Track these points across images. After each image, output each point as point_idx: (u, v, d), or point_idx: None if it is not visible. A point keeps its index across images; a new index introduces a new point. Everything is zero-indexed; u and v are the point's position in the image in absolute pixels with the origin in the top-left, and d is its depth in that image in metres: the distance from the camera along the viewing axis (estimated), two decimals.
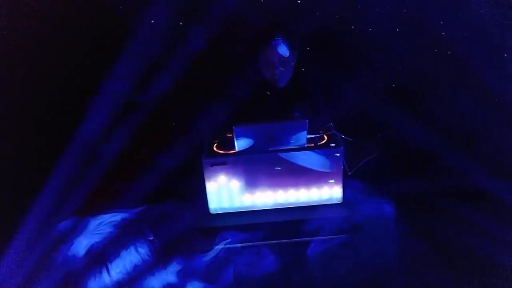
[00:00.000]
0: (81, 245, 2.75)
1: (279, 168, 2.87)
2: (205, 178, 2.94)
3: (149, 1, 3.09)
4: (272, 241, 2.92)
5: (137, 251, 2.73)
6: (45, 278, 2.68)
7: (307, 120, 2.77)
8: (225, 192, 2.97)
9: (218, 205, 3.01)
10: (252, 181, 2.93)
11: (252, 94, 3.12)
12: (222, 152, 2.95)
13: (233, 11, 3.14)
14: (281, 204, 3.02)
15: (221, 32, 3.21)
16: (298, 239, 2.93)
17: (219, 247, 2.86)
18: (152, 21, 3.13)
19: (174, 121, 3.28)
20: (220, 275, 2.78)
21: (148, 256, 2.74)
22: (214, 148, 2.99)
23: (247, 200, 3.00)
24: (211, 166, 2.89)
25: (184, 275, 2.72)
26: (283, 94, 3.15)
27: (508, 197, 3.06)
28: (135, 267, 2.71)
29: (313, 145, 2.92)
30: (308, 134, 2.85)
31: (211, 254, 2.83)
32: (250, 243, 2.90)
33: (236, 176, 2.92)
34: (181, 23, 3.19)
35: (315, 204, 3.03)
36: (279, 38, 3.02)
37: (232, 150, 2.93)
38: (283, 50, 3.03)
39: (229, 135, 2.99)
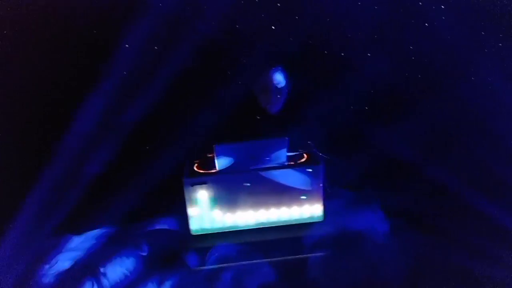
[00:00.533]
0: (65, 261, 2.70)
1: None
2: (186, 198, 2.92)
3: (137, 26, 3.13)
4: (255, 261, 2.88)
5: (123, 264, 2.69)
6: None
7: (287, 138, 2.81)
8: (206, 212, 2.95)
9: (200, 226, 2.98)
10: (233, 200, 2.93)
11: (240, 115, 3.18)
12: (203, 171, 2.95)
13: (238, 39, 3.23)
14: (263, 223, 3.01)
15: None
16: (280, 258, 2.90)
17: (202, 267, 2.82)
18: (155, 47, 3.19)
19: (154, 143, 3.27)
20: None
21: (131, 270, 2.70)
22: (195, 168, 2.99)
23: (229, 220, 2.98)
24: (192, 186, 2.88)
25: None
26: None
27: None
28: (122, 279, 2.67)
29: (293, 163, 2.95)
30: (288, 152, 2.88)
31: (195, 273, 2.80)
32: (233, 264, 2.87)
33: (217, 195, 2.91)
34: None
35: (296, 222, 3.03)
36: (277, 68, 3.15)
37: (213, 170, 2.93)
38: (280, 79, 3.15)
39: (209, 155, 3.00)
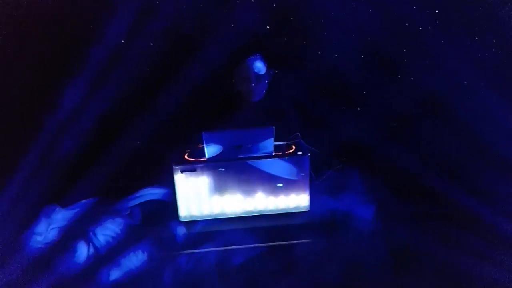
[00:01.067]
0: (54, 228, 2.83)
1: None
2: (175, 185, 3.00)
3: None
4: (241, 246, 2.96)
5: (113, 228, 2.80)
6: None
7: (273, 127, 2.89)
8: (194, 199, 3.03)
9: (188, 213, 3.06)
10: (221, 188, 3.01)
11: (225, 105, 3.28)
12: (193, 160, 3.03)
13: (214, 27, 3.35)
14: (250, 212, 3.09)
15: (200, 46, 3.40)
16: (267, 244, 2.97)
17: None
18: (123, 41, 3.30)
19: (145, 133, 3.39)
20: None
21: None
22: (185, 157, 3.08)
23: (217, 207, 3.06)
24: (181, 173, 2.96)
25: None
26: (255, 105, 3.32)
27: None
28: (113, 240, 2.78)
29: (280, 153, 3.03)
30: (275, 141, 2.96)
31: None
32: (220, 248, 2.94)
33: (205, 183, 3.00)
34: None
35: (283, 212, 3.10)
36: (255, 55, 3.24)
37: (202, 158, 3.02)
38: (259, 67, 3.24)
39: (200, 146, 3.08)
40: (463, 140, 3.48)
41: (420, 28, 3.60)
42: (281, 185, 3.00)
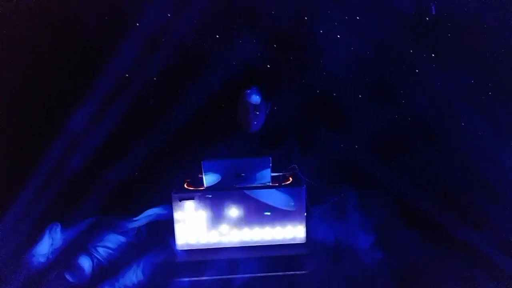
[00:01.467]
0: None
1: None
2: (174, 214, 3.06)
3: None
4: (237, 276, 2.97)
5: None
6: None
7: (270, 157, 2.97)
8: (192, 228, 3.08)
9: (185, 241, 3.10)
10: (218, 217, 3.05)
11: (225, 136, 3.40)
12: (192, 188, 3.11)
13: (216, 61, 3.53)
14: (246, 242, 3.11)
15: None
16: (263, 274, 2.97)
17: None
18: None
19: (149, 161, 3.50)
20: None
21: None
22: (185, 186, 3.15)
23: (214, 237, 3.10)
24: (180, 201, 3.03)
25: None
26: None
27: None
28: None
29: (277, 184, 3.09)
30: (272, 172, 3.03)
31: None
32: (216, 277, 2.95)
33: (203, 212, 3.05)
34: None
35: (279, 243, 3.12)
36: (252, 88, 3.38)
37: (201, 187, 3.09)
38: (256, 99, 3.37)
39: (200, 175, 3.16)
40: (463, 167, 3.52)
41: (416, 60, 3.75)
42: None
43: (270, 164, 3.00)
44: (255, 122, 3.46)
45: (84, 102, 3.39)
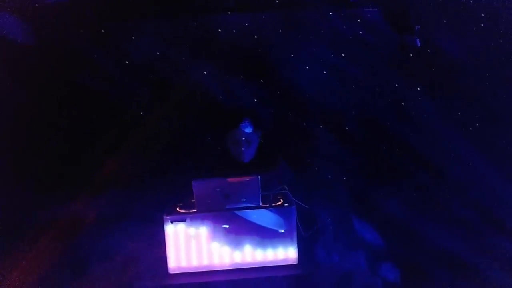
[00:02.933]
0: None
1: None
2: (166, 236, 3.09)
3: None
4: None
5: None
6: None
7: (258, 177, 3.03)
8: (184, 251, 3.10)
9: (177, 265, 3.11)
10: (210, 239, 3.08)
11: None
12: (183, 211, 3.16)
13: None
14: (238, 264, 3.11)
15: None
16: None
17: None
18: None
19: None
20: None
21: None
22: (177, 209, 3.21)
23: (206, 259, 3.10)
24: (171, 223, 3.07)
25: None
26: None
27: None
28: None
29: (267, 205, 3.14)
30: (263, 192, 3.09)
31: None
32: None
33: (194, 234, 3.08)
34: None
35: (270, 265, 3.11)
36: (244, 121, 3.51)
37: (192, 210, 3.14)
38: (249, 131, 3.49)
39: (192, 200, 3.23)
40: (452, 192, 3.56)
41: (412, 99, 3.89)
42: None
43: (259, 184, 3.06)
44: (248, 154, 3.56)
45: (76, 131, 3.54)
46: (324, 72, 4.00)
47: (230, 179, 3.08)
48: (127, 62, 3.64)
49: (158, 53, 3.70)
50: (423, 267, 3.13)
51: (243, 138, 3.54)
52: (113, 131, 3.59)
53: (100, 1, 3.65)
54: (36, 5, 3.54)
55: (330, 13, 4.01)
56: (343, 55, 4.01)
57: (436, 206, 3.60)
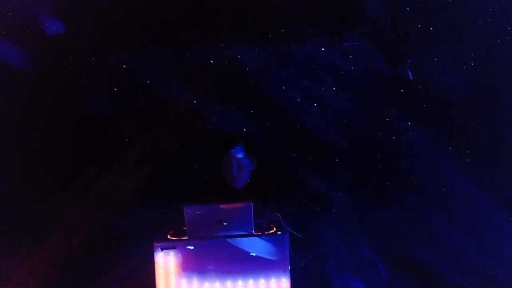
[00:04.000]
0: None
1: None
2: (155, 264, 3.01)
3: None
4: None
5: None
6: None
7: (251, 203, 2.99)
8: (174, 279, 3.00)
9: None
10: (201, 267, 3.00)
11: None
12: (175, 238, 3.09)
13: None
14: None
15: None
16: None
17: None
18: None
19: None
20: None
21: None
22: (168, 236, 3.14)
23: None
24: (161, 250, 3.00)
25: None
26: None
27: None
28: None
29: (260, 233, 3.08)
30: (254, 218, 3.03)
31: None
32: None
33: (185, 262, 3.00)
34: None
35: None
36: (238, 146, 3.49)
37: (184, 237, 3.07)
38: (240, 157, 3.47)
39: (184, 228, 3.16)
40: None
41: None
42: (254, 254, 2.98)
43: (252, 210, 3.01)
44: (240, 179, 3.53)
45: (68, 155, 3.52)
46: (315, 104, 4.04)
47: (222, 205, 3.03)
48: (116, 89, 3.67)
49: (150, 81, 3.75)
50: None
51: (235, 163, 3.51)
52: (104, 156, 3.56)
53: (94, 30, 3.71)
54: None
55: (323, 49, 4.09)
56: (334, 88, 4.07)
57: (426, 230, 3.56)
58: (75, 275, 3.19)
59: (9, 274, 3.15)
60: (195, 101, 3.82)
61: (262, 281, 3.03)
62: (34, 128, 3.57)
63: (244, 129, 3.82)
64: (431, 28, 3.93)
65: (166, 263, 3.00)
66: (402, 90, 4.03)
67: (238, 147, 3.50)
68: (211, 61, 3.94)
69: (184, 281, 3.00)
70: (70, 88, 3.69)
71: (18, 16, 3.48)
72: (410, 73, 4.08)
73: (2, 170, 3.44)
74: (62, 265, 3.32)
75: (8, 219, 3.33)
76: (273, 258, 3.02)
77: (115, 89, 3.72)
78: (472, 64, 3.79)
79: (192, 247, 2.96)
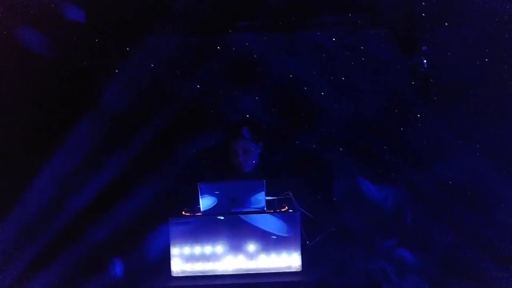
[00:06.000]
0: None
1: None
2: (170, 239, 3.10)
3: None
4: None
5: None
6: None
7: (264, 180, 3.07)
8: (188, 254, 3.10)
9: (181, 268, 3.10)
10: (214, 243, 3.08)
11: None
12: (189, 214, 3.18)
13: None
14: (241, 269, 3.10)
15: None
16: None
17: None
18: None
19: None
20: None
21: None
22: (183, 213, 3.23)
23: (209, 264, 3.10)
24: (176, 226, 3.09)
25: None
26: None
27: None
28: None
29: (272, 210, 3.15)
30: (267, 195, 3.11)
31: None
32: None
33: (199, 237, 3.09)
34: None
35: (274, 271, 3.09)
36: (243, 130, 3.57)
37: (198, 213, 3.16)
38: (247, 141, 3.55)
39: (198, 206, 3.25)
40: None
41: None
42: (274, 237, 3.04)
43: (265, 188, 3.09)
44: (247, 164, 3.60)
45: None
46: (323, 93, 4.09)
47: (235, 182, 3.12)
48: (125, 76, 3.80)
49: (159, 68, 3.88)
50: None
51: (240, 149, 3.59)
52: (118, 136, 3.68)
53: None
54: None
55: (334, 39, 4.14)
56: (343, 78, 4.11)
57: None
58: (92, 248, 3.30)
59: None
60: (198, 86, 3.92)
61: (273, 257, 3.10)
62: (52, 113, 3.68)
63: (247, 115, 3.90)
64: (446, 18, 3.94)
65: (180, 238, 3.09)
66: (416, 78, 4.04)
67: (243, 132, 3.58)
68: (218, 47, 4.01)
69: (197, 256, 3.08)
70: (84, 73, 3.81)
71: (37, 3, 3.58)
72: (425, 61, 4.11)
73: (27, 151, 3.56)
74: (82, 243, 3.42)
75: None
76: (284, 235, 3.09)
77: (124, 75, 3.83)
78: (487, 51, 3.77)
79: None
